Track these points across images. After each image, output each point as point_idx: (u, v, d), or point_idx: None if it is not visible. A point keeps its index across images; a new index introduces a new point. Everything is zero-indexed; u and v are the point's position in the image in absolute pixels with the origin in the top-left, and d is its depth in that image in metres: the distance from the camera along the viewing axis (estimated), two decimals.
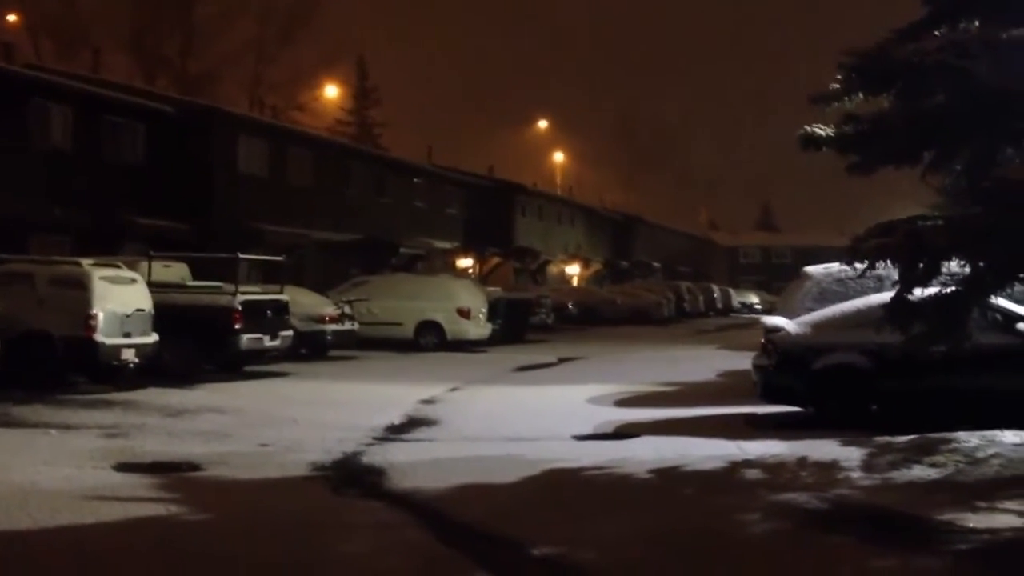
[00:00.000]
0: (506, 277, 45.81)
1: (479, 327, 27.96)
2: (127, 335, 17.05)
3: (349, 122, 68.00)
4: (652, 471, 10.17)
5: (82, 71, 35.52)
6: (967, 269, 10.07)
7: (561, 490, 9.56)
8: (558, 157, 71.20)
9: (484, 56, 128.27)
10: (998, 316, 12.37)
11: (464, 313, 27.64)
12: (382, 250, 36.18)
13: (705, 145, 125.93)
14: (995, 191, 9.48)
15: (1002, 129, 9.81)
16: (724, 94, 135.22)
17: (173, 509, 8.51)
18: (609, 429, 13.08)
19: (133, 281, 17.61)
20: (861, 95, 10.50)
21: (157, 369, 17.68)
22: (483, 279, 41.73)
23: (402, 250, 37.35)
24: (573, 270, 56.82)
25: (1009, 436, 10.99)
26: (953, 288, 10.00)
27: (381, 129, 69.46)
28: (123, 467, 10.17)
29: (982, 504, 8.52)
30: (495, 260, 46.90)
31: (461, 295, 28.23)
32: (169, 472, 10.01)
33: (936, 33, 10.30)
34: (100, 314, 16.56)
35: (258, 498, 9.17)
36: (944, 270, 10.04)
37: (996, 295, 10.86)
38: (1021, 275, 10.10)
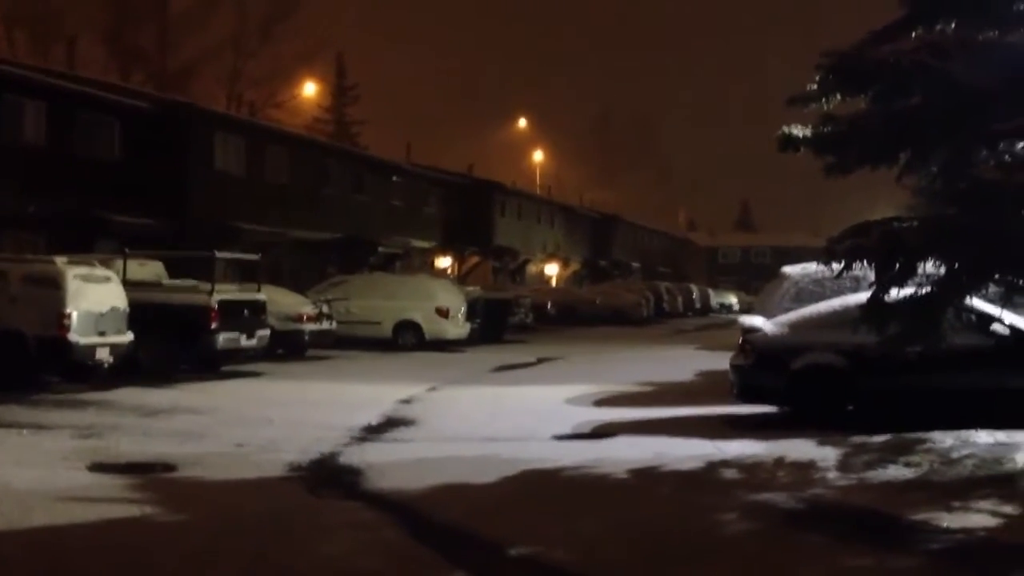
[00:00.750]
0: (485, 277, 45.77)
1: (458, 327, 27.93)
2: (102, 334, 16.92)
3: (327, 120, 67.79)
4: (630, 471, 10.17)
5: (57, 66, 35.28)
6: (942, 270, 10.12)
7: (539, 490, 9.55)
8: (537, 156, 71.27)
9: (463, 54, 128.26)
10: (973, 317, 12.45)
11: (443, 313, 27.61)
12: (360, 249, 36.08)
13: (684, 143, 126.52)
14: (970, 192, 9.53)
15: (977, 130, 9.85)
16: (703, 93, 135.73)
17: (147, 510, 8.45)
18: (587, 429, 13.08)
19: (108, 279, 17.48)
20: (839, 96, 10.54)
21: (132, 368, 17.58)
22: (462, 278, 41.71)
23: (380, 249, 37.27)
24: (552, 270, 56.86)
25: (983, 436, 11.07)
26: (928, 289, 10.05)
27: (359, 127, 69.35)
28: (97, 467, 10.09)
29: (956, 504, 8.57)
30: (474, 259, 46.87)
31: (440, 294, 28.19)
32: (144, 473, 9.94)
33: (913, 34, 10.35)
34: (74, 313, 16.43)
35: (234, 499, 9.11)
36: (920, 271, 10.09)
37: (971, 296, 10.92)
38: (995, 276, 10.16)
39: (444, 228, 46.05)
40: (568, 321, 41.27)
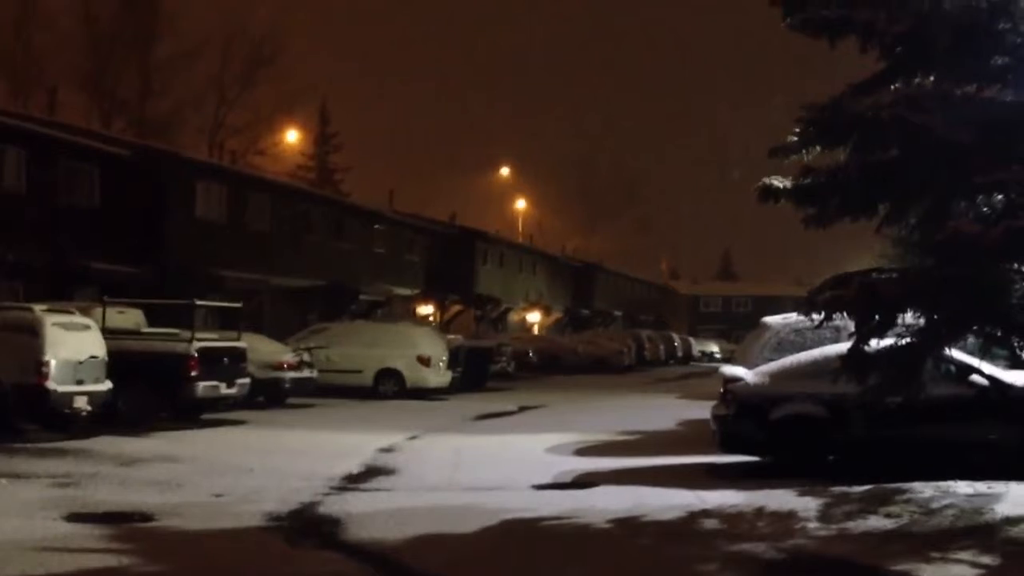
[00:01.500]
0: (467, 325, 45.72)
1: (439, 375, 27.85)
2: (80, 382, 16.80)
3: (310, 167, 67.98)
4: (611, 521, 10.13)
5: (37, 112, 35.29)
6: (921, 321, 10.19)
7: (520, 540, 9.49)
8: (520, 204, 71.58)
9: (447, 103, 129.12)
10: (952, 367, 12.49)
11: (424, 361, 27.54)
12: (342, 296, 36.01)
13: (666, 193, 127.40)
14: (948, 244, 9.62)
15: (955, 183, 9.97)
16: (685, 143, 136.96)
17: (125, 561, 8.35)
18: (569, 479, 13.03)
19: (87, 327, 17.39)
20: (818, 148, 10.66)
21: (111, 417, 17.43)
22: (444, 326, 41.64)
23: (362, 297, 37.22)
24: (534, 318, 56.87)
25: (963, 487, 11.10)
26: (908, 340, 10.11)
27: (342, 174, 69.55)
28: (74, 517, 9.99)
29: (936, 555, 8.58)
30: (456, 307, 46.84)
31: (421, 343, 28.13)
32: (121, 522, 9.84)
33: (892, 87, 10.50)
34: (52, 361, 16.32)
35: (212, 549, 9.02)
36: (899, 322, 10.15)
37: (950, 347, 10.98)
38: (974, 327, 10.23)
39: (426, 276, 46.08)
40: (550, 369, 41.24)
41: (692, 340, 66.78)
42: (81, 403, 16.80)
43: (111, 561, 8.32)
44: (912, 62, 10.43)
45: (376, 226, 42.31)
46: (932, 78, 10.57)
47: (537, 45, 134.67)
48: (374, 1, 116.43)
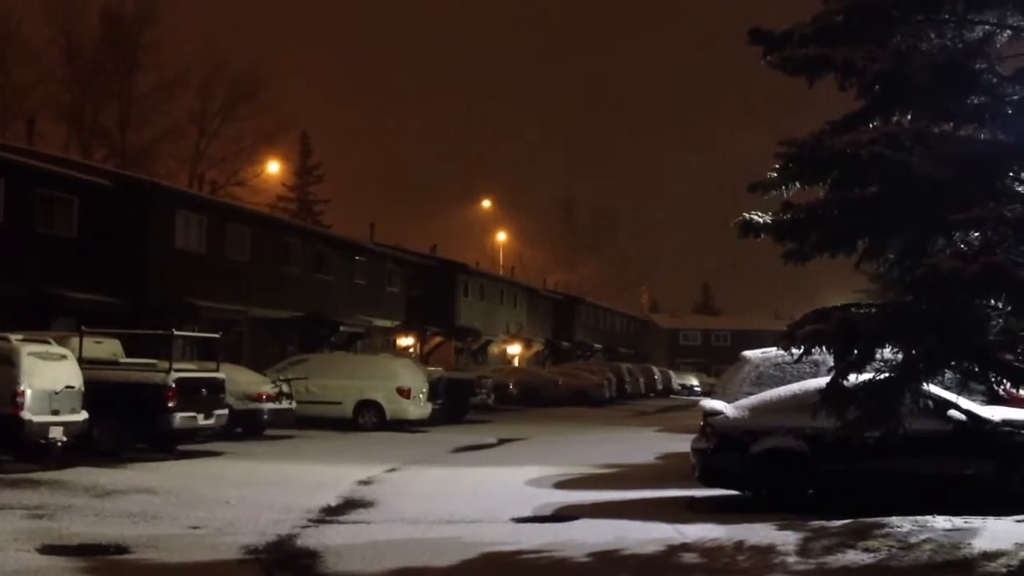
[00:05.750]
0: (447, 357, 45.65)
1: (419, 407, 27.76)
2: (56, 412, 16.66)
3: (291, 198, 67.99)
4: (591, 554, 10.10)
5: (16, 142, 35.14)
6: (899, 356, 10.24)
7: (499, 573, 9.44)
8: (501, 237, 71.69)
9: (429, 136, 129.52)
10: (930, 402, 12.53)
11: (404, 393, 27.45)
12: (321, 328, 35.91)
13: (647, 227, 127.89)
14: (926, 280, 9.69)
15: (933, 219, 10.06)
16: (664, 177, 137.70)
17: None
18: (548, 511, 12.99)
19: (63, 357, 17.26)
20: (797, 184, 10.75)
21: (87, 448, 17.27)
22: (424, 358, 41.56)
23: (342, 328, 37.11)
24: (514, 350, 56.84)
25: (940, 521, 11.13)
26: (886, 374, 10.16)
27: (323, 206, 69.57)
28: (48, 549, 9.87)
29: None
30: (436, 339, 46.77)
31: (401, 374, 28.05)
32: (96, 555, 9.74)
33: (870, 125, 10.61)
34: (28, 391, 16.19)
35: None
36: (877, 357, 10.20)
37: (928, 382, 11.04)
38: (952, 362, 10.29)
39: (407, 308, 46.01)
40: (530, 402, 41.15)
41: (672, 373, 66.83)
42: (57, 433, 16.64)
43: None
44: (890, 100, 10.56)
45: (357, 257, 42.28)
46: (910, 116, 10.70)
47: (518, 77, 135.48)
48: (356, 34, 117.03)
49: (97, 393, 17.43)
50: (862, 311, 10.49)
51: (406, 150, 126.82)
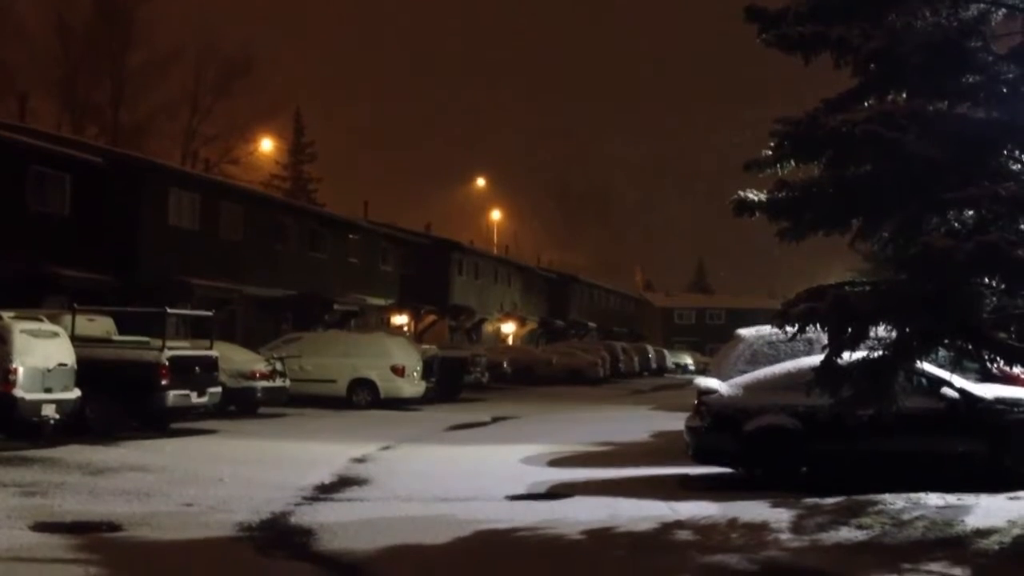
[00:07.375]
0: (441, 335, 45.65)
1: (413, 385, 27.78)
2: (48, 390, 16.63)
3: (284, 176, 67.77)
4: (584, 532, 10.12)
5: (8, 119, 34.96)
6: (893, 334, 10.25)
7: (493, 551, 9.46)
8: (495, 215, 71.61)
9: (422, 114, 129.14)
10: (924, 380, 12.59)
11: (398, 371, 27.46)
12: (315, 306, 35.87)
13: (641, 206, 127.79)
14: (920, 259, 9.69)
15: (927, 198, 10.05)
16: (660, 155, 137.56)
17: (92, 571, 8.26)
18: (542, 489, 13.01)
19: (55, 335, 17.22)
20: (793, 163, 10.74)
21: (79, 426, 17.25)
22: (418, 337, 41.56)
23: (336, 306, 37.07)
24: (509, 329, 56.85)
25: (934, 499, 11.18)
26: (880, 353, 10.17)
27: (317, 184, 69.38)
28: (41, 527, 9.87)
29: (907, 566, 8.64)
30: (430, 318, 46.75)
31: (395, 353, 28.05)
32: (89, 532, 9.73)
33: (865, 104, 10.58)
34: (20, 368, 16.15)
35: (181, 560, 8.94)
36: (871, 335, 10.21)
37: (922, 360, 11.06)
38: (945, 340, 10.31)
39: (401, 286, 45.97)
40: (524, 380, 41.20)
41: (666, 352, 66.94)
42: (49, 411, 16.63)
43: (78, 571, 8.22)
44: (885, 79, 10.52)
45: (350, 236, 42.20)
46: (905, 95, 10.67)
47: (513, 55, 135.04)
48: (351, 12, 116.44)
49: (90, 371, 17.39)
50: (856, 290, 10.49)
51: (401, 130, 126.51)
